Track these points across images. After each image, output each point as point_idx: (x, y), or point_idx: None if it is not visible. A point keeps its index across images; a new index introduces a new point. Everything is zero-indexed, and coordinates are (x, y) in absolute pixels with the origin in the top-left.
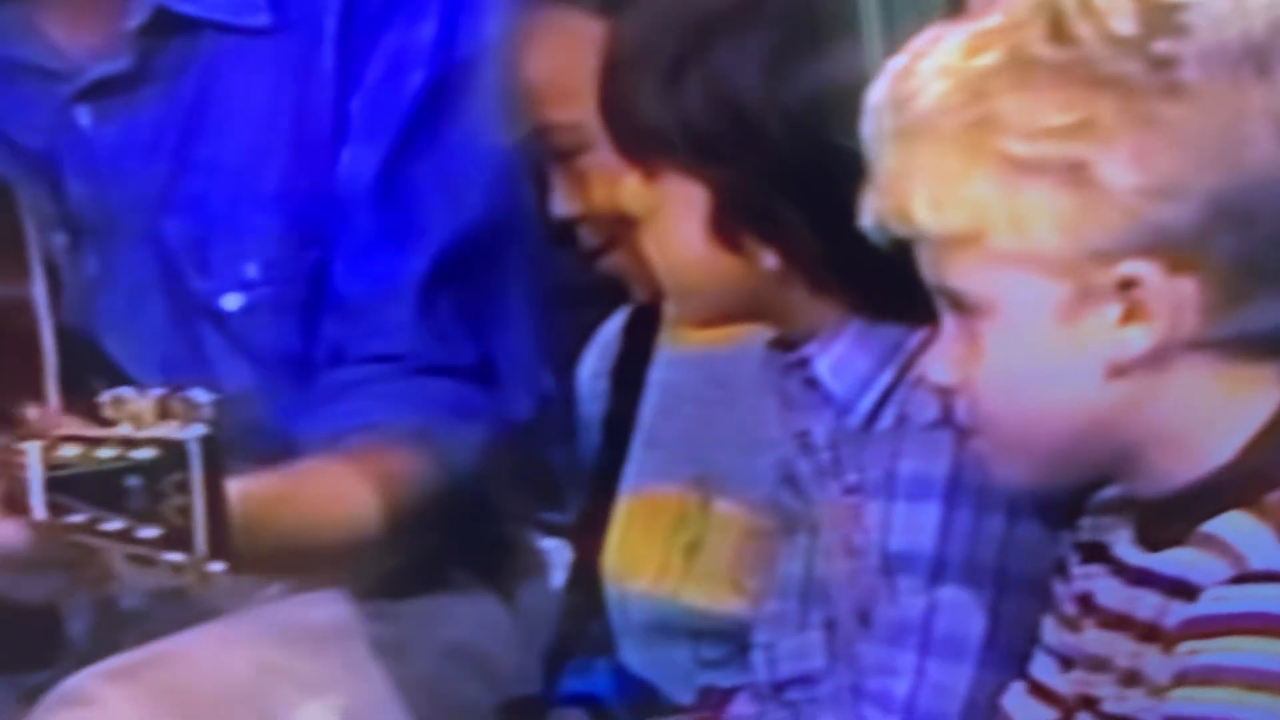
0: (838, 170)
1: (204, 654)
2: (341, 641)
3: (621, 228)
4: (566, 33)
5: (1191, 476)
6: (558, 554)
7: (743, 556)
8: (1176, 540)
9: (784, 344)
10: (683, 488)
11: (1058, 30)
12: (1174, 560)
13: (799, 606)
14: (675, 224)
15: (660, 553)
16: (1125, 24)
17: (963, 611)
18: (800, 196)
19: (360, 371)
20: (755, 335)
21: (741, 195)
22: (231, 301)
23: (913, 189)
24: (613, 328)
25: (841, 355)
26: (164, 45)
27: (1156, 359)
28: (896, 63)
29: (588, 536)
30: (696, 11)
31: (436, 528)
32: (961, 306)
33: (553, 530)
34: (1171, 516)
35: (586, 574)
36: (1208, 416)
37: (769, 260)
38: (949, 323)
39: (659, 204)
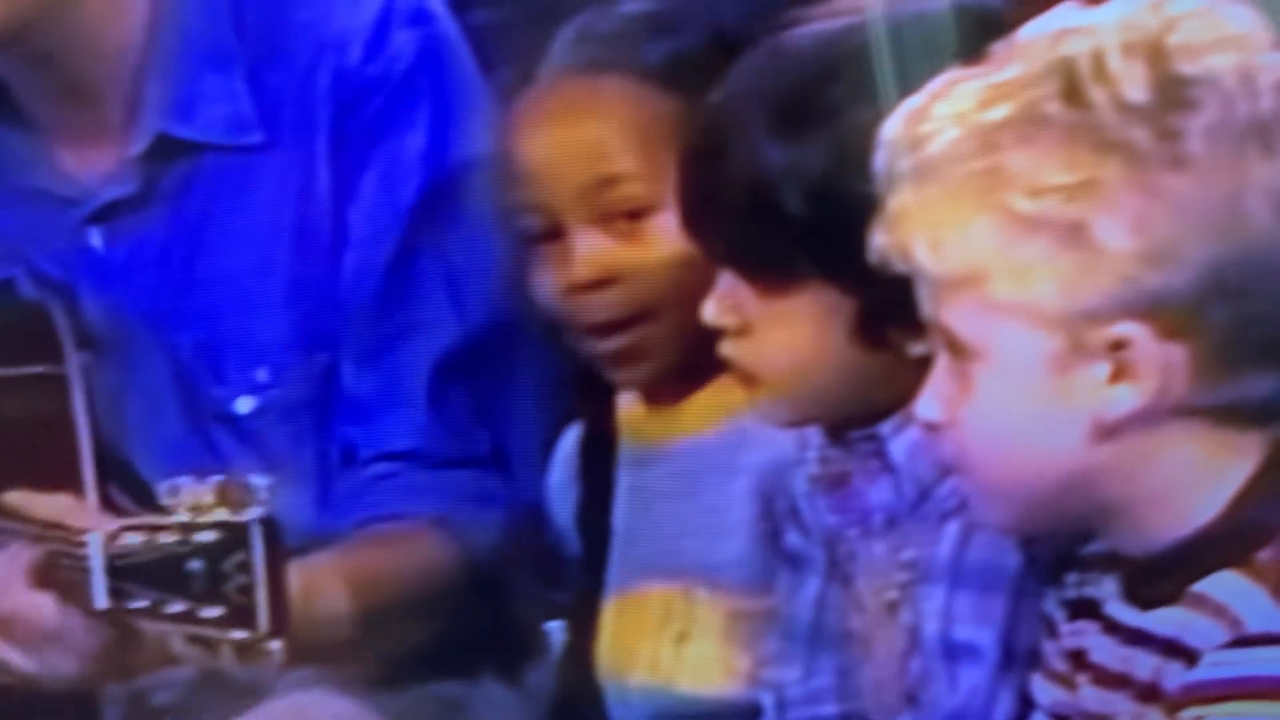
0: None
1: None
2: None
3: (655, 293)
4: (598, 95)
5: (1177, 535)
6: (560, 635)
7: (730, 639)
8: (1168, 599)
9: (846, 422)
10: (664, 582)
11: (1071, 92)
12: (1168, 620)
13: (806, 651)
14: (807, 334)
15: (651, 647)
16: (1137, 93)
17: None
18: None
19: (378, 469)
20: (712, 427)
21: (890, 296)
22: (244, 405)
23: (915, 229)
24: (570, 436)
25: (920, 437)
26: (167, 168)
27: (1143, 420)
28: (913, 101)
29: (579, 631)
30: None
31: (455, 611)
32: (955, 346)
33: (556, 611)
34: (1161, 575)
35: (578, 669)
36: (1192, 478)
37: (917, 349)
38: (942, 361)
39: (780, 314)
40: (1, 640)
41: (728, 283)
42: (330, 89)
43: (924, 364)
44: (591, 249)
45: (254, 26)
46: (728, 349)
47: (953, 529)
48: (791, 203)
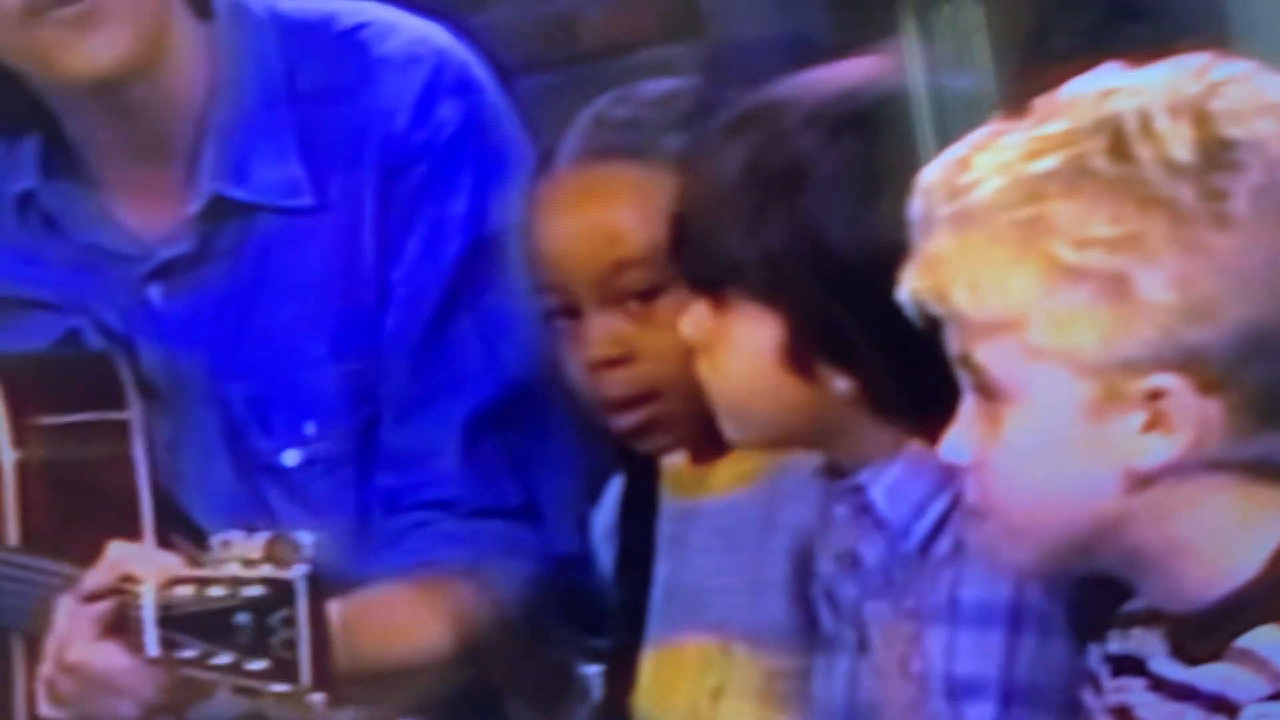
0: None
1: None
2: None
3: (668, 371)
4: (613, 181)
5: (1219, 592)
6: (599, 680)
7: (766, 697)
8: (1213, 655)
9: (835, 470)
10: (703, 636)
11: (1118, 147)
12: (1212, 675)
13: None
14: (745, 351)
15: (687, 700)
16: (1183, 152)
17: None
18: (874, 323)
19: (414, 517)
20: (750, 485)
21: (818, 323)
22: (291, 457)
23: (955, 273)
24: (614, 489)
25: (895, 482)
26: (222, 228)
27: (1176, 472)
28: (954, 151)
29: (617, 680)
30: (784, 159)
31: (492, 658)
32: (985, 387)
33: (596, 656)
34: (1205, 632)
35: (618, 710)
36: (1228, 533)
37: (840, 385)
38: (969, 402)
39: (726, 333)
40: (68, 686)
41: (697, 301)
42: (378, 155)
43: (852, 404)
44: (606, 329)
45: (306, 94)
46: (698, 365)
47: (947, 572)
48: (737, 241)
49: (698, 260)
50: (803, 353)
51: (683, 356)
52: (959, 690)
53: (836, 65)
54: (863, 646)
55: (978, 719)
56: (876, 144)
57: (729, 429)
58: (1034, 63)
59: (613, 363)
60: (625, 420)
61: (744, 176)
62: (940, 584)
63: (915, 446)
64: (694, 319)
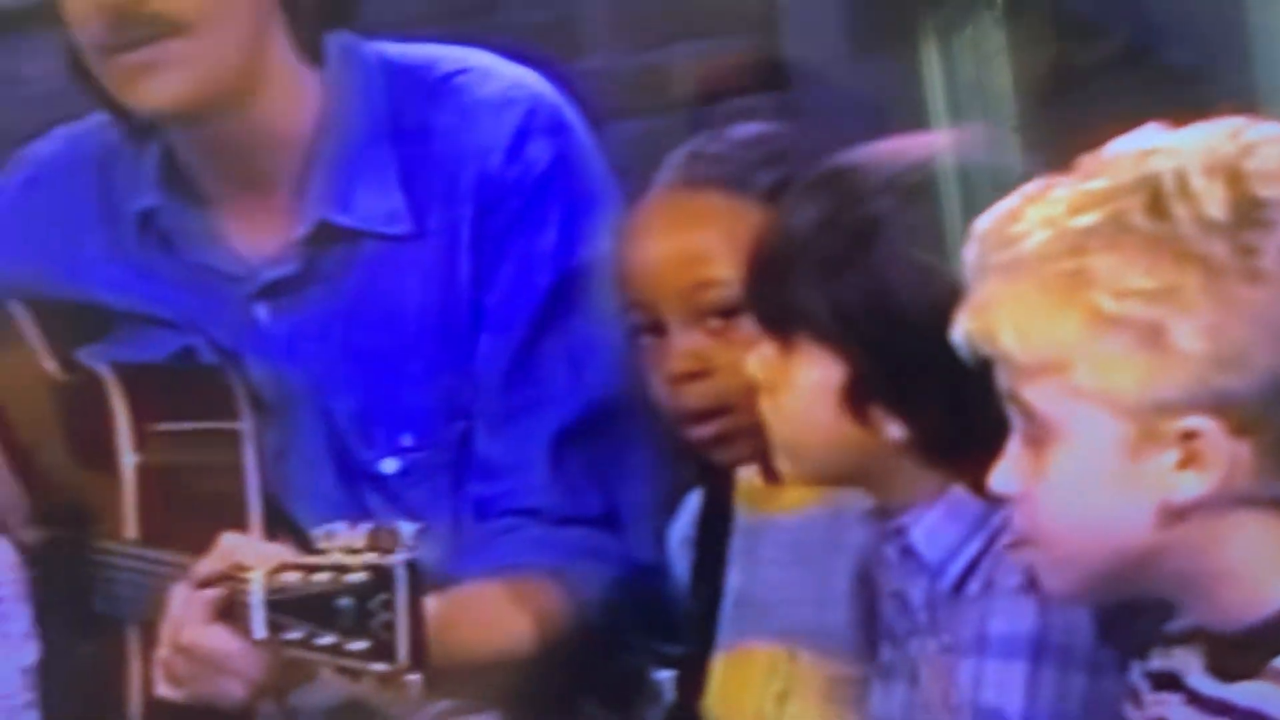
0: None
1: None
2: None
3: (744, 386)
4: (701, 207)
5: (1258, 615)
6: (671, 684)
7: (828, 699)
8: (1250, 673)
9: (883, 512)
10: (770, 642)
11: (1156, 206)
12: (1249, 693)
13: None
14: (806, 392)
15: (755, 702)
16: (1217, 211)
17: None
18: (930, 375)
19: (503, 523)
20: (820, 503)
21: (878, 371)
22: (390, 466)
23: (1003, 318)
24: (692, 502)
25: (934, 525)
26: (326, 252)
27: (1209, 506)
28: (1008, 202)
29: (688, 684)
30: (858, 219)
31: (570, 658)
32: (1032, 424)
33: (668, 661)
34: (1243, 651)
35: (688, 711)
36: (1264, 562)
37: (894, 430)
38: (1018, 436)
39: (790, 373)
40: (183, 667)
41: (762, 340)
42: (474, 190)
43: (902, 449)
44: (687, 345)
45: (409, 131)
46: (760, 402)
47: (977, 608)
48: (810, 291)
49: (769, 303)
50: (861, 398)
51: None
52: (984, 718)
53: (910, 137)
54: (914, 679)
55: None
56: (942, 212)
57: (784, 464)
58: (1055, 86)
59: (692, 376)
60: (701, 431)
61: (820, 232)
62: (971, 619)
63: (955, 491)
64: (760, 357)
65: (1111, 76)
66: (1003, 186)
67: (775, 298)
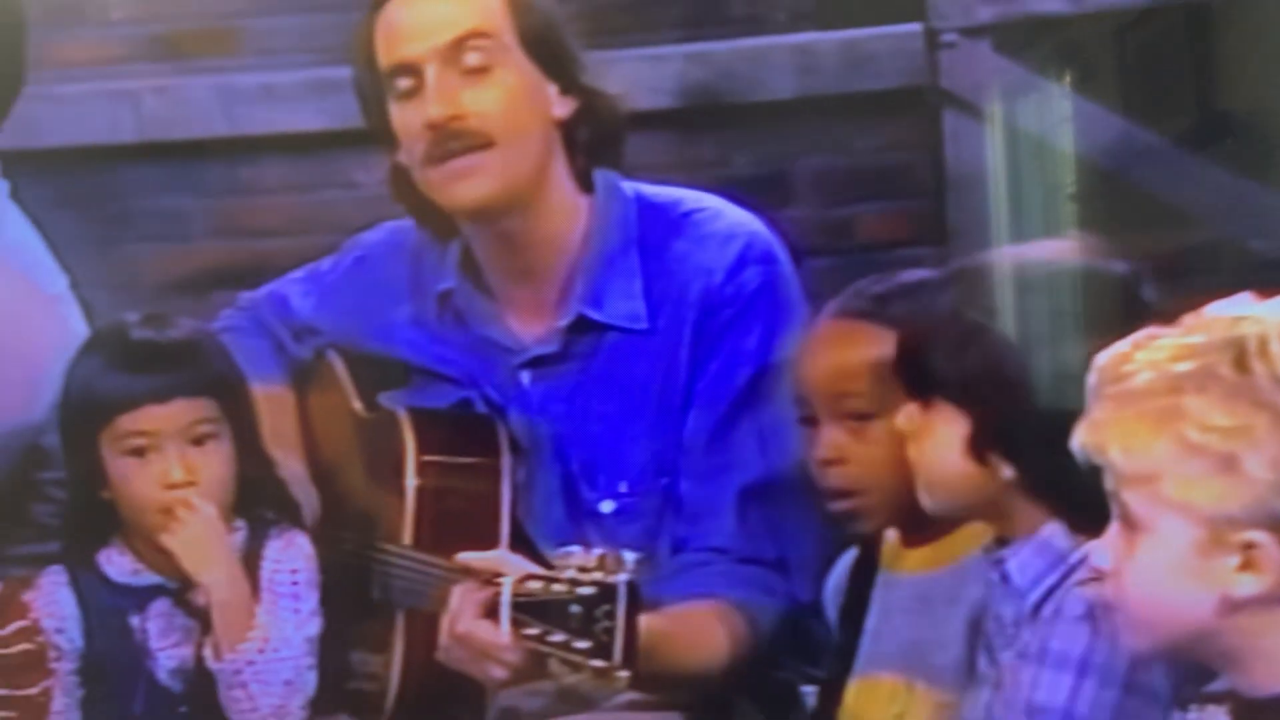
0: (1061, 415)
1: None
2: None
3: (871, 475)
4: (857, 334)
5: None
6: (813, 699)
7: None
8: None
9: (997, 544)
10: (894, 673)
11: (1240, 361)
12: None
13: None
14: (941, 441)
15: (878, 718)
16: None
17: None
18: (1034, 429)
19: (696, 557)
20: (941, 566)
21: (994, 425)
22: (607, 506)
23: (1111, 437)
24: (848, 557)
25: (1027, 558)
26: (580, 338)
27: (1261, 602)
28: (1122, 345)
29: (827, 701)
30: (980, 310)
31: (738, 669)
32: (1128, 519)
33: (812, 680)
34: (1264, 714)
35: None
36: None
37: (1006, 472)
38: (1116, 524)
39: (929, 427)
40: (458, 652)
41: (909, 402)
42: (698, 300)
43: (1013, 487)
44: (831, 438)
45: (653, 251)
46: (908, 450)
47: (1045, 627)
48: (944, 365)
49: (914, 373)
50: (982, 445)
51: (883, 465)
52: (1035, 713)
53: (1027, 246)
54: (998, 685)
55: None
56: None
57: (925, 499)
58: (1119, 160)
59: (834, 462)
60: (838, 505)
61: (951, 318)
62: (1038, 635)
63: (1047, 529)
64: (906, 415)
65: (1176, 155)
66: (1090, 289)
67: (919, 369)
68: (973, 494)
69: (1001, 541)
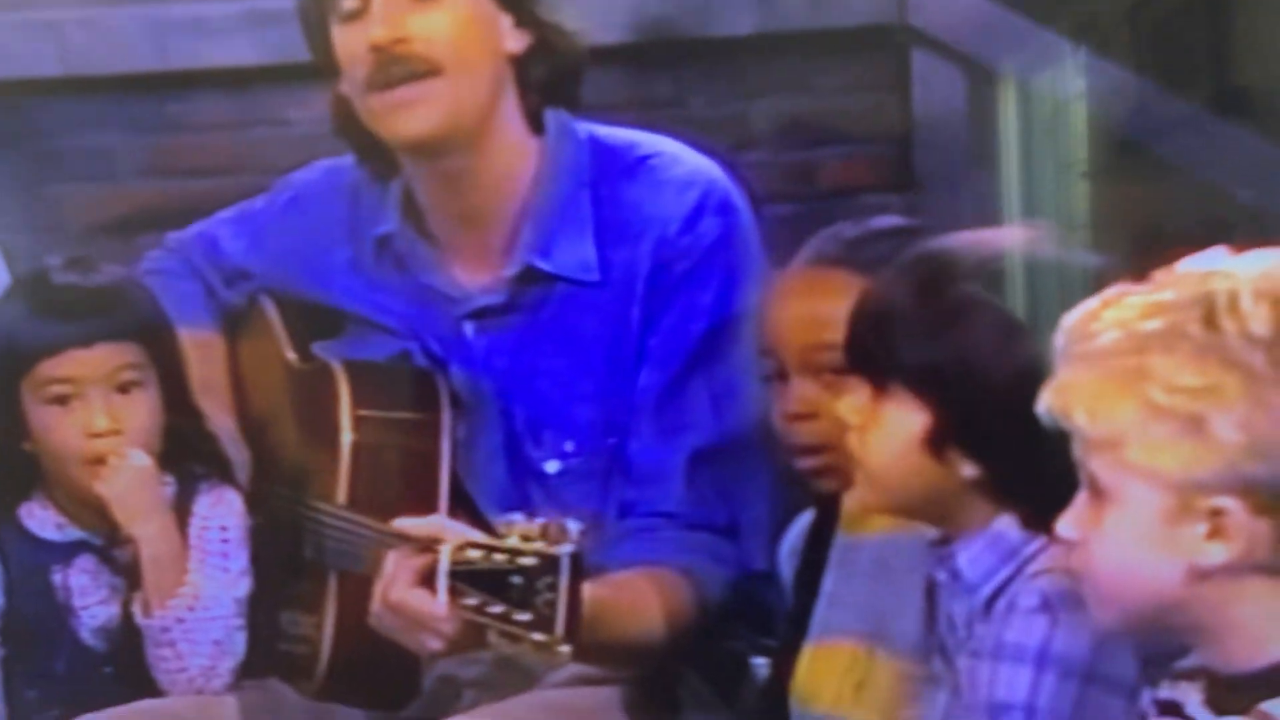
0: (1031, 409)
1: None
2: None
3: (842, 430)
4: (831, 282)
5: (1256, 664)
6: (764, 669)
7: (897, 693)
8: (1240, 710)
9: (943, 541)
10: (853, 640)
11: (1209, 319)
12: None
13: None
14: (894, 433)
15: (835, 687)
16: (1260, 327)
17: None
18: (1003, 427)
19: (643, 522)
20: (904, 530)
21: (959, 420)
22: (552, 466)
23: (1077, 399)
24: (804, 520)
25: (977, 552)
26: (527, 289)
27: (1229, 572)
28: (1090, 303)
29: (780, 671)
30: (955, 294)
31: (685, 637)
32: (1094, 488)
33: (764, 650)
34: (1238, 691)
35: (775, 697)
36: (1269, 619)
37: (968, 470)
38: (1083, 494)
39: (880, 416)
40: (391, 620)
41: (856, 388)
42: (651, 251)
43: (972, 487)
44: (803, 391)
45: (605, 199)
46: (850, 441)
47: (998, 621)
48: (909, 349)
49: (867, 355)
50: (943, 441)
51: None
52: (996, 711)
53: (998, 230)
54: (955, 689)
55: None
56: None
57: (867, 495)
58: (1130, 139)
59: (804, 417)
60: (807, 463)
61: (917, 302)
62: (992, 631)
63: (998, 523)
64: (852, 402)
65: (1189, 132)
66: (1066, 279)
67: (874, 352)
68: (922, 492)
69: (944, 540)
